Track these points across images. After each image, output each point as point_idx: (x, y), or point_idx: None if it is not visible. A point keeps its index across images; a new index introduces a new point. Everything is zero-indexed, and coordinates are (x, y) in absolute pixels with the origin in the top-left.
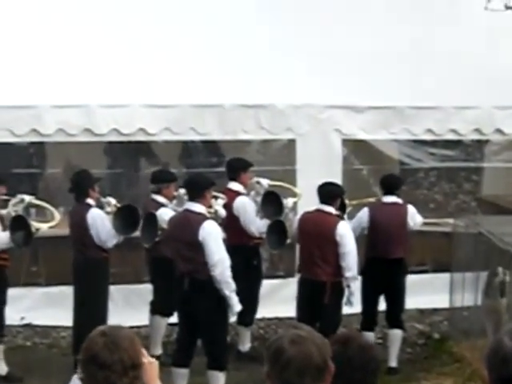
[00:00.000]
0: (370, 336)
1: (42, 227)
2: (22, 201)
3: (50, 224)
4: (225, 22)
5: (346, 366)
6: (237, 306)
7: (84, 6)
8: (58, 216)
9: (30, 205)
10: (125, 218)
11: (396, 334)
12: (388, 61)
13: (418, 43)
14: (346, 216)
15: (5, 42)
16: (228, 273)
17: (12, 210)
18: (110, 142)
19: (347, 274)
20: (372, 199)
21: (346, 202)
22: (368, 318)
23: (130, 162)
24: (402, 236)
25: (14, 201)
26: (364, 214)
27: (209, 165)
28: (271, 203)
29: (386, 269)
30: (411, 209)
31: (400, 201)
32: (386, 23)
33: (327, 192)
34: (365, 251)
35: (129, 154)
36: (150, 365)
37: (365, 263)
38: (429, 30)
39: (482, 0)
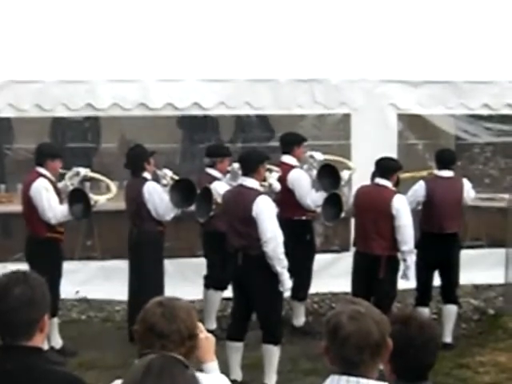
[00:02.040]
0: (424, 311)
1: (100, 199)
2: (78, 174)
3: (108, 196)
4: None
5: (406, 346)
6: (287, 282)
7: None
8: (114, 188)
9: (86, 178)
10: (182, 192)
11: (451, 310)
12: (443, 35)
13: (474, 18)
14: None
15: (59, 17)
16: (280, 249)
17: (68, 182)
18: (165, 117)
19: (403, 248)
20: (424, 173)
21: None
22: (423, 293)
23: (185, 137)
24: (458, 211)
25: (69, 174)
26: (420, 188)
27: (263, 139)
28: (328, 176)
29: (440, 243)
30: (467, 183)
31: (455, 175)
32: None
33: (385, 166)
34: (419, 225)
35: (182, 128)
36: (207, 340)
37: (419, 237)
38: (485, 4)
39: None
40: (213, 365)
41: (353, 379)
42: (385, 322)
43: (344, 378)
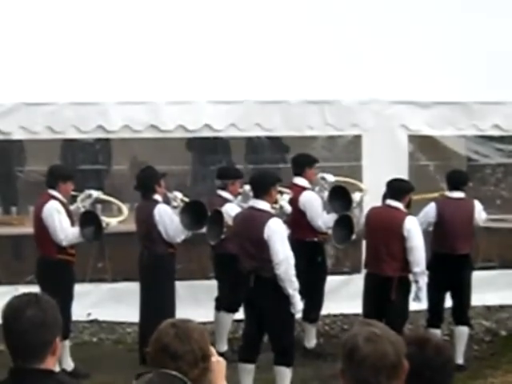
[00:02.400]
0: (436, 333)
1: (111, 222)
2: (90, 196)
3: (119, 218)
4: (290, 19)
5: (423, 367)
6: (299, 304)
7: (144, 4)
8: (126, 210)
9: (98, 200)
10: (192, 214)
11: (463, 331)
12: (453, 56)
13: (483, 39)
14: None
15: (71, 39)
16: (292, 271)
17: (80, 205)
18: (176, 139)
19: (415, 269)
20: (436, 194)
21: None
22: (434, 314)
23: (196, 158)
24: (469, 232)
25: (81, 196)
26: (431, 209)
27: (274, 161)
28: (339, 198)
29: (452, 265)
30: (478, 205)
31: (466, 196)
32: (451, 20)
33: (397, 188)
34: (431, 246)
35: (193, 150)
36: (218, 363)
37: (431, 259)
38: (494, 27)
39: None
40: None
41: None
42: (401, 343)
43: None
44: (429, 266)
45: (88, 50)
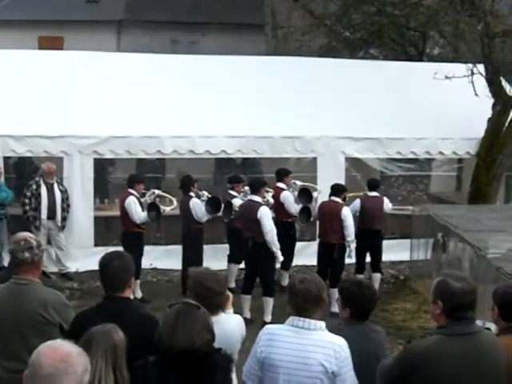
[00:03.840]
0: (361, 277)
1: (166, 209)
2: (154, 193)
3: (171, 207)
4: (274, 85)
5: (361, 299)
6: (280, 257)
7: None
8: (175, 202)
9: (158, 195)
10: (212, 204)
11: (377, 276)
12: (372, 110)
13: (392, 98)
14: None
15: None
16: (275, 238)
17: (148, 198)
18: (204, 159)
19: (348, 239)
20: (360, 193)
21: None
22: (360, 266)
23: (216, 170)
24: (381, 216)
25: (148, 193)
26: (357, 203)
27: (262, 172)
28: (304, 195)
29: (370, 236)
30: (386, 200)
31: (379, 194)
32: (373, 87)
33: (337, 189)
34: (357, 225)
35: (215, 165)
36: (228, 295)
37: (357, 232)
38: (400, 89)
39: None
40: (231, 310)
41: (301, 318)
42: (322, 284)
43: (297, 317)
44: (356, 236)
45: (151, 102)
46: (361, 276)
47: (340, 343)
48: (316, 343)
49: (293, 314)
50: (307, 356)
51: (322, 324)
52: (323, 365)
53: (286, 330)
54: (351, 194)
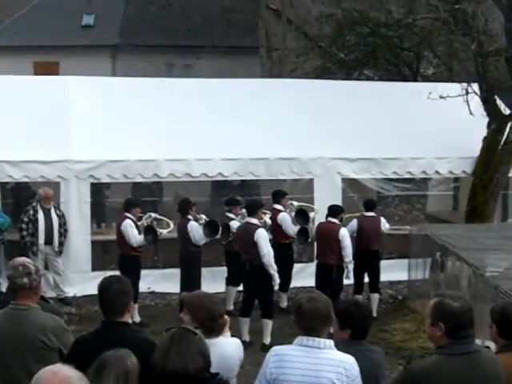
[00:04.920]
0: (359, 297)
1: (163, 232)
2: (150, 216)
3: (168, 230)
4: (271, 110)
5: (358, 318)
6: (277, 280)
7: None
8: (172, 225)
9: (155, 218)
10: (210, 227)
11: (375, 296)
12: (366, 133)
13: (387, 121)
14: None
15: (132, 118)
16: (272, 260)
17: (144, 222)
18: (201, 181)
19: (346, 259)
20: (357, 214)
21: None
22: (358, 286)
23: (213, 193)
24: (378, 236)
25: (145, 216)
26: (354, 223)
27: (258, 194)
28: (301, 216)
29: (368, 256)
30: (383, 220)
31: (376, 215)
32: (367, 110)
33: (334, 210)
34: (355, 245)
35: (212, 188)
36: (226, 319)
37: (355, 253)
38: (392, 112)
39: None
40: (228, 334)
41: (310, 338)
42: (329, 303)
43: (305, 337)
44: (354, 257)
45: (148, 128)
46: (359, 296)
47: (350, 361)
48: (327, 362)
49: (301, 333)
50: (319, 375)
51: (332, 342)
52: (335, 383)
53: (295, 349)
54: (348, 215)
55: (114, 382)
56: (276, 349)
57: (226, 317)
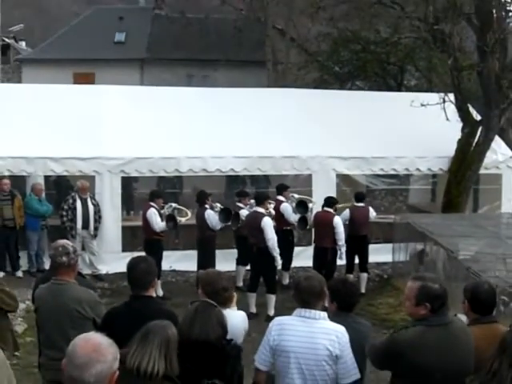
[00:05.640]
0: (350, 276)
1: (182, 220)
2: (171, 206)
3: (186, 218)
4: (277, 116)
5: (345, 294)
6: (279, 261)
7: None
8: (189, 214)
9: (175, 208)
10: (225, 214)
11: (364, 275)
12: (357, 135)
13: (371, 124)
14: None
15: (157, 121)
16: (275, 244)
17: (166, 211)
18: (216, 176)
19: (339, 243)
20: (349, 204)
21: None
22: (349, 267)
23: (226, 186)
24: (367, 223)
25: (167, 206)
26: (347, 212)
27: (265, 187)
28: (301, 206)
29: (358, 240)
30: (371, 209)
31: (365, 205)
32: (359, 116)
33: (329, 201)
34: (347, 231)
35: (225, 182)
36: (234, 294)
37: (347, 237)
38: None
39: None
40: (235, 307)
41: (307, 310)
42: (323, 281)
43: (303, 309)
44: (346, 241)
45: (170, 128)
46: (350, 276)
47: (341, 330)
48: (321, 330)
49: (298, 306)
50: (315, 342)
51: (325, 314)
52: (328, 349)
53: (294, 320)
54: (341, 205)
55: (157, 347)
56: (278, 319)
57: (233, 292)
